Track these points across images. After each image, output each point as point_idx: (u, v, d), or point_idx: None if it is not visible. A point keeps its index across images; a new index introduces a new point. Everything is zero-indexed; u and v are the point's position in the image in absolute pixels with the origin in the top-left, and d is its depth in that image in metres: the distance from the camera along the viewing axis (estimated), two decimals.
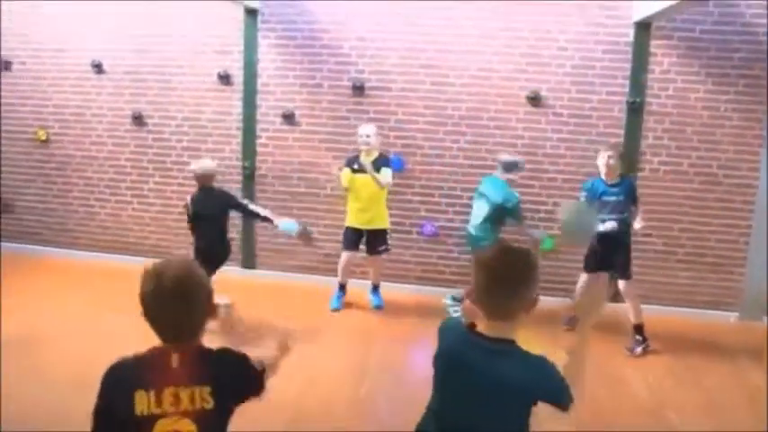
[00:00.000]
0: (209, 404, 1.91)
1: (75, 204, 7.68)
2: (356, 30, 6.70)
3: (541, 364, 2.11)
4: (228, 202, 5.62)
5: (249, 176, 7.05)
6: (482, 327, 2.16)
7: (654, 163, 6.51)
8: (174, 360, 1.92)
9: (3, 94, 7.63)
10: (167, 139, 7.24)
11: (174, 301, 1.90)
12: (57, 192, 7.71)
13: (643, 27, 6.28)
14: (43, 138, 7.55)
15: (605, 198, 5.67)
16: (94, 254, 7.53)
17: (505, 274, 2.07)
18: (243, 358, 2.11)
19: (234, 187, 7.08)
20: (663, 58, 6.34)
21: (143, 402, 1.86)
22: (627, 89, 6.41)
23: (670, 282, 6.66)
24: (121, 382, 1.92)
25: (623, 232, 5.67)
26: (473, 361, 2.10)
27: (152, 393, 1.87)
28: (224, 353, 2.07)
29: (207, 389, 1.92)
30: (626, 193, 5.68)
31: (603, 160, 5.70)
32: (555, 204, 6.67)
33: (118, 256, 7.40)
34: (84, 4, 7.18)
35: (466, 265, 6.75)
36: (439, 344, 2.30)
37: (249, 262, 7.22)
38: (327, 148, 6.87)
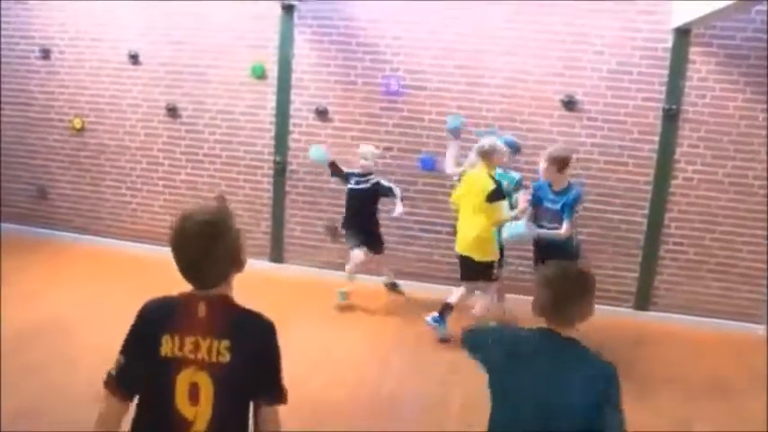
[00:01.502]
0: (225, 358, 1.93)
1: (107, 193, 7.77)
2: (392, 28, 6.71)
3: (612, 371, 2.31)
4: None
5: (280, 171, 7.09)
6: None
7: (688, 171, 6.44)
8: (201, 309, 1.96)
9: (41, 82, 7.74)
10: (200, 131, 7.30)
11: (197, 241, 1.93)
12: (90, 180, 7.81)
13: (682, 33, 6.22)
14: (79, 126, 7.65)
15: (546, 205, 5.38)
16: (125, 242, 7.61)
17: (568, 292, 2.31)
18: (269, 329, 2.06)
19: (264, 180, 7.16)
20: (701, 66, 6.28)
21: (167, 345, 1.93)
22: (663, 96, 6.36)
23: (700, 291, 6.60)
24: (152, 322, 1.99)
25: (562, 243, 5.29)
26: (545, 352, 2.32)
27: (176, 338, 1.93)
28: (251, 315, 2.05)
29: (225, 342, 1.94)
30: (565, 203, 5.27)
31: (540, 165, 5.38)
32: (586, 209, 6.63)
33: (148, 245, 7.48)
34: None
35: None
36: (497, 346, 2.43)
37: (277, 256, 7.26)
38: (359, 145, 6.86)
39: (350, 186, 6.27)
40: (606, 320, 6.47)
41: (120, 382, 1.99)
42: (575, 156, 6.52)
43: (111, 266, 7.02)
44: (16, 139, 7.95)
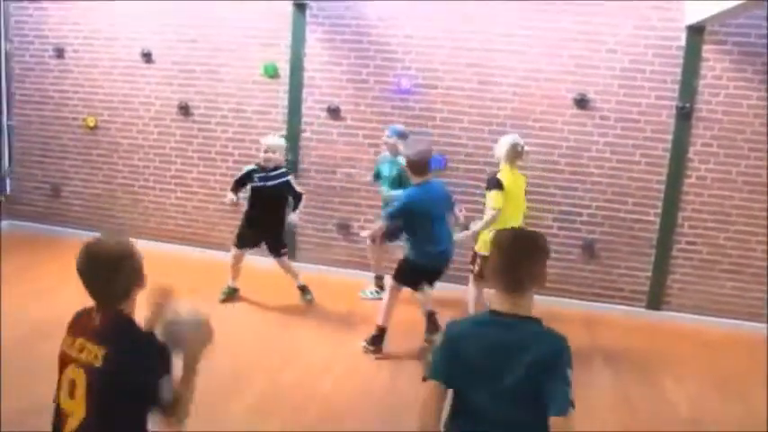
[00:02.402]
0: (99, 362, 2.16)
1: (119, 191, 7.81)
2: (404, 27, 6.71)
3: (561, 344, 2.19)
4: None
5: (292, 169, 7.08)
6: (496, 304, 2.29)
7: (701, 170, 6.41)
8: (96, 318, 2.26)
9: (55, 81, 7.80)
10: (212, 129, 7.32)
11: (89, 274, 2.25)
12: (103, 178, 7.86)
13: (696, 31, 6.19)
14: (92, 124, 7.70)
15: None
16: (137, 240, 7.62)
17: (519, 254, 2.25)
18: (144, 342, 2.24)
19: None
20: (715, 63, 6.24)
21: (64, 343, 2.29)
22: (676, 94, 6.33)
23: (713, 291, 6.55)
24: (69, 324, 2.36)
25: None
26: (491, 334, 2.23)
27: (70, 339, 2.28)
28: (138, 336, 2.25)
29: (103, 349, 2.17)
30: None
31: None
32: (598, 208, 6.62)
33: (160, 243, 7.50)
34: None
35: None
36: (447, 334, 2.35)
37: (289, 254, 7.25)
38: (371, 144, 6.89)
39: (254, 185, 6.03)
40: (619, 320, 6.48)
41: None
42: (587, 154, 6.55)
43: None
44: (30, 137, 8.00)
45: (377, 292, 6.55)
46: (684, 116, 6.31)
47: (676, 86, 6.32)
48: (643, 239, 6.63)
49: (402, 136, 6.16)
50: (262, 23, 7.04)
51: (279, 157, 6.04)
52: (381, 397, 4.68)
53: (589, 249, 6.71)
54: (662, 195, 6.51)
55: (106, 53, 7.59)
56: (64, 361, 2.26)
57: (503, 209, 5.30)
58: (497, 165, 6.32)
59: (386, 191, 6.19)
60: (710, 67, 6.25)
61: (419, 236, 5.29)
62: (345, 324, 5.94)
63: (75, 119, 7.81)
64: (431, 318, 5.53)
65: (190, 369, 2.29)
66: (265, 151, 5.98)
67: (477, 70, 6.63)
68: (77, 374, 2.19)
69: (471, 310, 5.58)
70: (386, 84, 6.81)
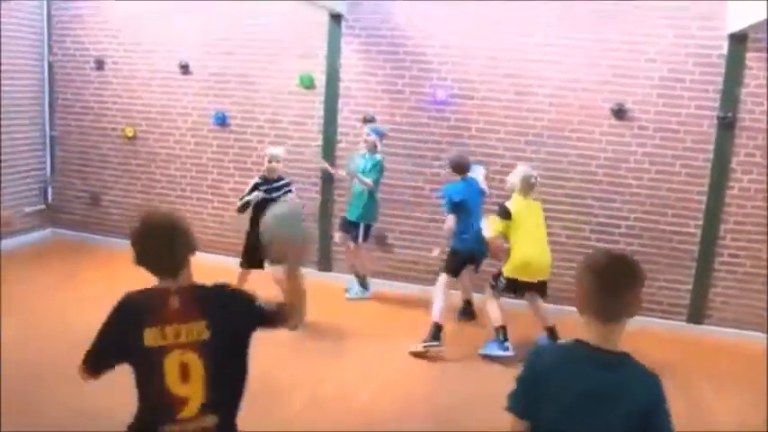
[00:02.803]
0: (206, 335, 2.21)
1: (157, 200, 7.91)
2: (440, 37, 6.70)
3: (658, 383, 2.07)
4: None
5: (328, 179, 7.12)
6: (586, 334, 2.09)
7: (744, 181, 6.27)
8: (174, 301, 2.24)
9: (95, 92, 7.94)
10: (249, 140, 7.39)
11: (154, 243, 2.26)
12: (141, 187, 7.98)
13: (738, 39, 6.06)
14: (130, 134, 7.82)
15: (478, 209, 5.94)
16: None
17: (619, 280, 2.04)
18: (236, 292, 2.41)
19: (312, 190, 7.20)
20: (758, 72, 6.10)
21: (150, 337, 2.19)
22: (718, 104, 6.20)
23: (756, 305, 6.39)
24: (132, 318, 2.25)
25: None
26: (588, 375, 2.04)
27: (157, 329, 2.19)
28: (217, 289, 2.35)
29: (203, 323, 2.22)
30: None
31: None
32: (637, 220, 6.52)
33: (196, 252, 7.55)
34: (173, 8, 7.41)
35: None
36: (532, 366, 2.16)
37: (325, 265, 7.30)
38: (407, 154, 6.89)
39: (265, 197, 5.72)
40: (658, 333, 6.36)
41: (90, 364, 2.33)
42: (625, 165, 6.46)
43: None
44: (71, 147, 8.16)
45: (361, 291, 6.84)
46: (727, 126, 6.19)
47: (718, 96, 6.19)
48: (683, 252, 6.51)
49: (382, 135, 6.55)
50: (298, 35, 7.09)
51: (281, 167, 6.06)
52: (423, 408, 4.66)
53: None
54: (703, 207, 6.39)
55: (145, 65, 7.72)
56: (156, 355, 2.19)
57: (515, 240, 5.48)
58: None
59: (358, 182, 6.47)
60: (754, 76, 6.12)
61: (462, 226, 5.78)
62: (381, 335, 5.93)
63: (114, 129, 7.95)
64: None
65: (293, 273, 2.38)
66: (269, 161, 5.95)
67: (514, 81, 6.59)
68: (187, 357, 2.19)
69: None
70: (421, 94, 6.79)
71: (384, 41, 6.84)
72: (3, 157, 7.57)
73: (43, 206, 8.22)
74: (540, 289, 5.64)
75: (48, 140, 8.19)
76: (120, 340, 2.27)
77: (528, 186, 5.56)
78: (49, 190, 8.28)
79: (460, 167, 5.94)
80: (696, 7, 6.10)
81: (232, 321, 2.29)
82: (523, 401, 2.12)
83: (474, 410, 4.63)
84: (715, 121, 6.23)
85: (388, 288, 7.01)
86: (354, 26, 6.89)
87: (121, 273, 6.82)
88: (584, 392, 2.01)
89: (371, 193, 6.48)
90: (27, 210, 8.02)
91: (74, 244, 7.99)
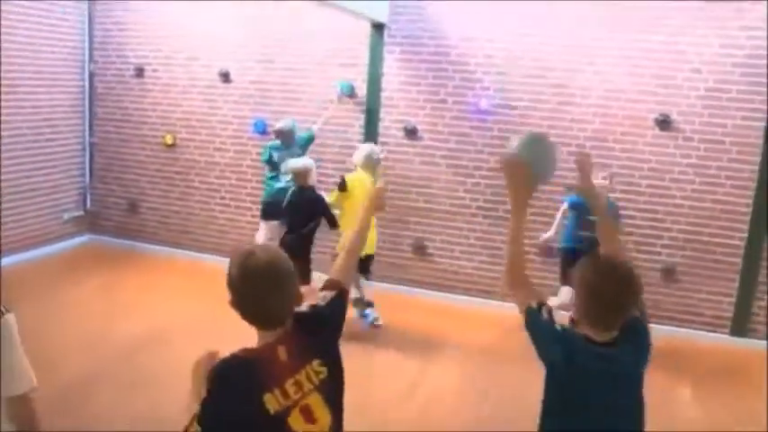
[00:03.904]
0: (324, 373, 2.00)
1: (196, 208, 7.95)
2: (483, 47, 6.69)
3: (642, 334, 2.23)
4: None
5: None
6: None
7: None
8: (282, 353, 1.95)
9: (134, 99, 8.00)
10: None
11: (266, 285, 1.92)
12: (179, 195, 8.02)
13: None
14: (170, 142, 7.87)
15: (590, 217, 5.43)
16: (213, 257, 7.74)
17: (617, 297, 2.14)
18: (320, 309, 2.14)
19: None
20: None
21: (273, 402, 1.89)
22: (765, 115, 6.15)
23: None
24: (243, 389, 1.89)
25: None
26: (599, 370, 2.17)
27: (277, 392, 1.90)
28: (308, 319, 2.09)
29: (316, 362, 2.00)
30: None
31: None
32: (680, 232, 6.47)
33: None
34: (214, 16, 7.46)
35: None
36: (569, 353, 2.20)
37: (362, 272, 7.27)
38: (448, 164, 6.88)
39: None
40: (701, 346, 6.31)
41: None
42: (668, 176, 6.42)
43: (200, 280, 7.13)
44: (110, 154, 8.23)
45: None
46: None
47: (764, 107, 6.14)
48: (727, 264, 6.45)
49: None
50: (339, 44, 7.11)
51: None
52: (472, 424, 4.63)
53: (670, 273, 6.56)
54: (748, 219, 6.33)
55: (185, 73, 7.77)
56: (282, 414, 1.91)
57: (348, 209, 5.84)
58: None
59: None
60: None
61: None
62: (425, 346, 5.91)
63: (153, 137, 8.00)
64: None
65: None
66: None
67: (558, 91, 6.57)
68: (311, 400, 1.96)
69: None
70: (464, 104, 6.79)
71: (426, 51, 6.85)
72: (42, 164, 7.65)
73: (82, 212, 8.28)
74: (364, 264, 5.88)
75: (87, 147, 8.25)
76: (232, 416, 1.88)
77: (370, 163, 5.98)
78: (88, 196, 8.33)
79: None
80: (744, 16, 6.06)
81: (333, 341, 2.15)
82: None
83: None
84: (762, 133, 6.17)
85: (428, 297, 6.99)
86: (396, 35, 6.90)
87: (160, 280, 7.00)
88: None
89: None
90: (66, 216, 8.09)
91: (112, 251, 8.04)
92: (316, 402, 1.97)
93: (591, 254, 2.36)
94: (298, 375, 1.95)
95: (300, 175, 5.80)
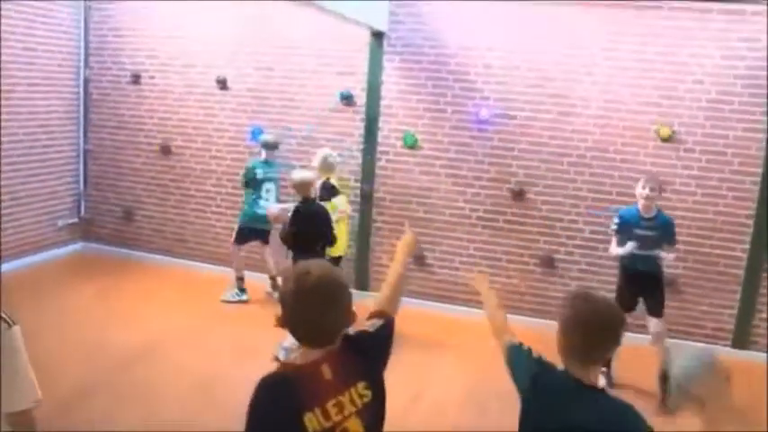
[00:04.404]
0: (368, 396, 1.95)
1: (191, 216, 7.87)
2: (483, 56, 6.64)
3: (625, 412, 2.08)
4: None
5: (367, 198, 7.06)
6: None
7: None
8: (326, 372, 1.90)
9: (130, 106, 7.92)
10: (286, 156, 7.32)
11: (319, 304, 1.88)
12: (174, 203, 7.93)
13: None
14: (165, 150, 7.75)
15: (638, 231, 5.35)
16: (209, 266, 7.66)
17: (600, 333, 2.10)
18: (368, 335, 2.13)
19: (351, 209, 7.13)
20: None
21: (313, 422, 1.84)
22: (766, 126, 6.11)
23: None
24: (285, 407, 1.85)
25: (656, 269, 5.41)
26: (575, 407, 2.08)
27: (318, 411, 1.85)
28: (357, 341, 2.05)
29: (361, 384, 1.95)
30: (661, 229, 5.38)
31: (642, 192, 5.33)
32: (682, 243, 6.42)
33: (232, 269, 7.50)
34: (212, 22, 7.39)
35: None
36: (539, 376, 2.21)
37: (362, 284, 7.22)
38: (448, 174, 6.82)
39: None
40: None
41: None
42: (670, 188, 6.38)
43: (196, 289, 7.08)
44: (105, 161, 8.14)
45: (239, 293, 6.84)
46: None
47: (765, 118, 6.11)
48: (729, 276, 6.41)
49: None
50: (338, 52, 7.05)
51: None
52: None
53: (672, 285, 6.49)
54: (750, 230, 6.29)
55: (181, 80, 7.69)
56: None
57: None
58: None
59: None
60: None
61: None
62: (425, 358, 5.85)
63: (149, 144, 7.92)
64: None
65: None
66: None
67: (558, 101, 6.52)
68: (351, 424, 1.90)
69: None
70: (464, 114, 6.73)
71: (426, 59, 6.79)
72: (37, 171, 7.55)
73: (76, 220, 8.19)
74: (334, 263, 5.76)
75: (81, 154, 8.15)
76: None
77: (327, 166, 6.13)
78: (83, 204, 8.24)
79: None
80: (745, 28, 6.02)
81: (380, 367, 2.09)
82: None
83: None
84: (764, 144, 6.14)
85: (427, 308, 6.92)
86: (396, 44, 6.84)
87: (155, 289, 6.91)
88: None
89: None
90: (60, 223, 7.99)
91: (106, 258, 7.95)
92: (355, 427, 1.92)
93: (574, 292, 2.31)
94: (341, 396, 1.90)
95: (304, 186, 5.58)
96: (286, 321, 1.92)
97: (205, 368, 5.13)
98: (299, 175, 5.69)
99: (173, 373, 5.06)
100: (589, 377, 2.11)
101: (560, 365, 2.18)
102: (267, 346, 4.69)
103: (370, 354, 2.06)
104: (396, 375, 5.27)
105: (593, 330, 2.06)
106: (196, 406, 4.58)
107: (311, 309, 1.88)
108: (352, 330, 2.07)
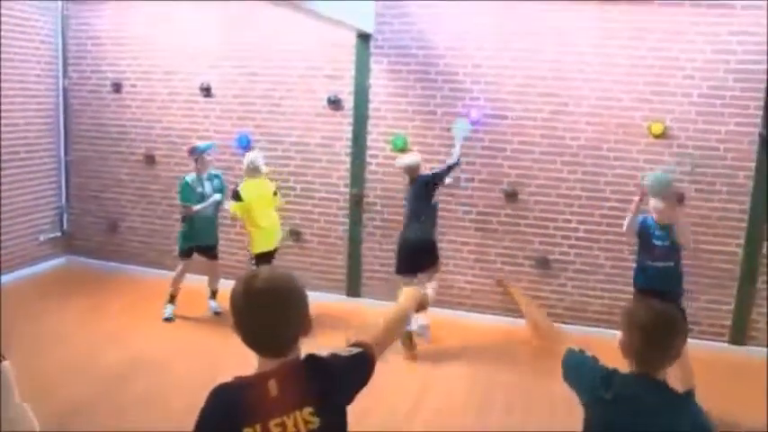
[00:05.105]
0: (314, 424, 1.80)
1: (177, 226, 7.67)
2: (472, 56, 6.55)
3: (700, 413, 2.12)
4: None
5: (357, 203, 6.95)
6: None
7: None
8: (273, 387, 1.79)
9: (112, 115, 7.75)
10: (273, 163, 7.16)
11: (265, 308, 1.78)
12: (160, 213, 7.76)
13: None
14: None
15: (654, 241, 5.09)
16: (198, 277, 7.47)
17: (663, 338, 2.12)
18: (337, 360, 1.94)
19: (340, 213, 7.03)
20: None
21: None
22: (759, 120, 6.07)
23: None
24: (228, 416, 1.78)
25: (673, 279, 5.11)
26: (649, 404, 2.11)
27: (258, 428, 1.76)
28: (320, 363, 1.91)
29: (308, 409, 1.81)
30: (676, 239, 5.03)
31: (655, 202, 5.07)
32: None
33: (222, 280, 7.34)
34: (194, 28, 7.25)
35: (578, 299, 6.57)
36: (612, 377, 2.19)
37: (354, 290, 7.10)
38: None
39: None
40: (699, 355, 6.17)
41: None
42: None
43: (184, 302, 6.89)
44: (87, 172, 7.96)
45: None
46: None
47: (759, 112, 6.06)
48: (724, 271, 6.36)
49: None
50: (324, 55, 6.93)
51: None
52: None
53: None
54: (745, 225, 6.25)
55: (164, 87, 7.53)
56: None
57: (252, 218, 6.17)
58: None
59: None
60: None
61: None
62: (426, 360, 5.75)
63: (132, 153, 7.75)
64: None
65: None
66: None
67: (549, 99, 6.45)
68: None
69: None
70: (454, 115, 6.62)
71: (414, 61, 6.69)
72: (17, 185, 7.36)
73: (59, 233, 7.99)
74: (267, 258, 6.31)
75: (63, 166, 7.96)
76: None
77: (253, 170, 6.22)
78: (65, 217, 8.05)
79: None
80: (736, 21, 5.98)
81: (340, 398, 1.92)
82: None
83: None
84: (756, 139, 6.10)
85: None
86: (383, 45, 6.74)
87: (144, 303, 6.75)
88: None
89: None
90: (42, 238, 7.79)
91: (91, 272, 7.77)
92: None
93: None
94: (286, 417, 1.78)
95: (412, 170, 5.94)
96: (236, 327, 1.83)
97: (204, 381, 5.01)
98: (407, 159, 5.98)
99: (167, 388, 4.94)
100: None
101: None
102: None
103: (332, 380, 1.88)
104: (397, 379, 5.20)
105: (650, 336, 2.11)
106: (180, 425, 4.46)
107: (259, 313, 1.79)
108: (325, 351, 1.94)
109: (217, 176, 6.65)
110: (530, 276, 6.71)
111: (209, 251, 6.74)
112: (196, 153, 6.43)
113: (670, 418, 2.05)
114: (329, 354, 1.95)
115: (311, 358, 1.89)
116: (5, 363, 1.99)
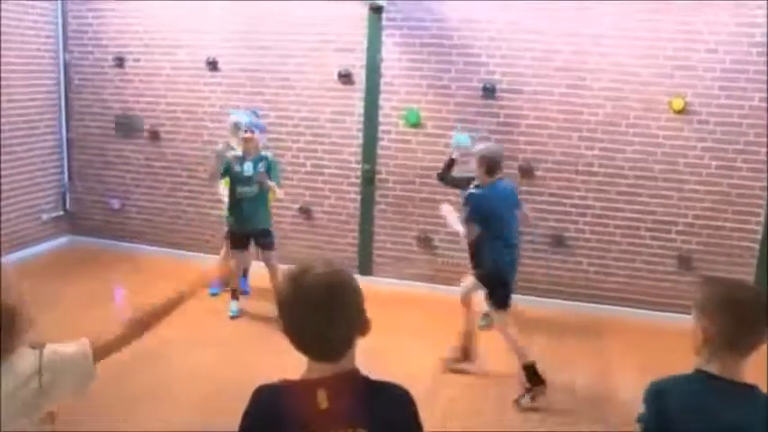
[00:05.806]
0: None
1: (184, 204, 7.54)
2: (487, 29, 6.37)
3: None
4: None
5: (369, 180, 6.79)
6: (716, 367, 2.00)
7: None
8: (322, 399, 1.60)
9: (114, 90, 7.55)
10: (283, 139, 7.02)
11: (317, 307, 1.60)
12: (166, 191, 7.59)
13: None
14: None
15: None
16: (205, 255, 7.32)
17: (757, 316, 1.97)
18: (407, 401, 1.75)
19: (351, 190, 6.88)
20: None
21: None
22: None
23: None
24: (269, 424, 1.62)
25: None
26: (715, 407, 1.93)
27: None
28: (387, 389, 1.73)
29: (361, 431, 1.61)
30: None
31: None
32: (695, 218, 6.26)
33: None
34: (200, 1, 7.03)
35: (594, 277, 6.47)
36: (657, 408, 2.00)
37: (365, 268, 6.96)
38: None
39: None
40: None
41: None
42: (683, 161, 6.18)
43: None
44: (90, 150, 7.77)
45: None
46: None
47: None
48: (744, 249, 6.25)
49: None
50: (335, 28, 6.72)
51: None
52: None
53: (685, 261, 6.34)
54: (765, 203, 6.13)
55: (168, 61, 7.32)
56: None
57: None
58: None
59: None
60: None
61: (492, 241, 4.73)
62: (439, 343, 5.62)
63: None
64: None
65: None
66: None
67: (567, 74, 6.28)
68: None
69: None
70: (468, 89, 6.45)
71: (428, 34, 6.50)
72: (18, 163, 7.17)
73: (61, 213, 7.82)
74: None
75: (64, 143, 7.77)
76: None
77: (235, 130, 6.04)
78: (68, 195, 7.86)
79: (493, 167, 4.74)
80: None
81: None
82: None
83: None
84: None
85: (434, 292, 6.68)
86: (396, 18, 6.54)
87: (150, 284, 6.56)
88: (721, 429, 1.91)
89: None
90: (44, 217, 7.62)
91: (94, 252, 7.61)
92: None
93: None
94: None
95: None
96: (285, 330, 1.65)
97: (214, 368, 4.90)
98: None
99: (174, 375, 4.81)
100: (738, 371, 1.99)
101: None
102: (275, 343, 4.43)
103: (391, 418, 1.68)
104: (409, 367, 5.09)
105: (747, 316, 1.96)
106: (209, 408, 4.33)
107: (310, 313, 1.61)
108: (398, 387, 1.77)
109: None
110: (545, 255, 6.58)
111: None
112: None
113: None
114: (391, 384, 1.77)
115: (367, 382, 1.71)
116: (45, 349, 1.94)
